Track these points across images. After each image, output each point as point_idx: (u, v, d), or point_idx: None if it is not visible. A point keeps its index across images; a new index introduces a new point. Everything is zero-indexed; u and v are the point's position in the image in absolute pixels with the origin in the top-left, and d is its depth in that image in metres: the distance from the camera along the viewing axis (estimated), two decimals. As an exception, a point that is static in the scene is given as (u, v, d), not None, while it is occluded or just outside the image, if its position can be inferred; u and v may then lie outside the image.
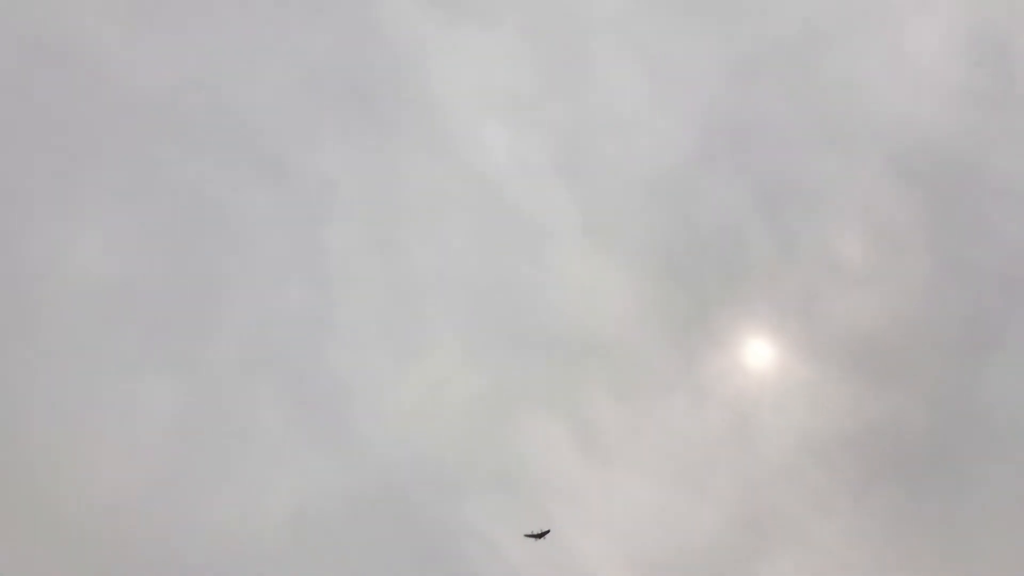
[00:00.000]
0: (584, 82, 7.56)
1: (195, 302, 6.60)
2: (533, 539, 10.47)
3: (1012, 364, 6.08)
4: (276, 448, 6.42)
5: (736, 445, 6.45)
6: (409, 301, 6.89)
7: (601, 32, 8.43)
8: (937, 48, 7.44)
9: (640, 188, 7.42)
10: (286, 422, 6.31)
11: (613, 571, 5.73)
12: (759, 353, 6.70)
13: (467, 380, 6.53)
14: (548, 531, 9.84)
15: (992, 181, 6.81)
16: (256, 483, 6.27)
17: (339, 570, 5.89)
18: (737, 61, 7.73)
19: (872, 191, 7.21)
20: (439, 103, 7.33)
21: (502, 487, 5.88)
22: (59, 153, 6.96)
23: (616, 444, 6.36)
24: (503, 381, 6.50)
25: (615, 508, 6.12)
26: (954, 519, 5.62)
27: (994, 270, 6.39)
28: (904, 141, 7.08)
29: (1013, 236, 6.42)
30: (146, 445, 5.93)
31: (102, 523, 5.98)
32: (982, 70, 7.28)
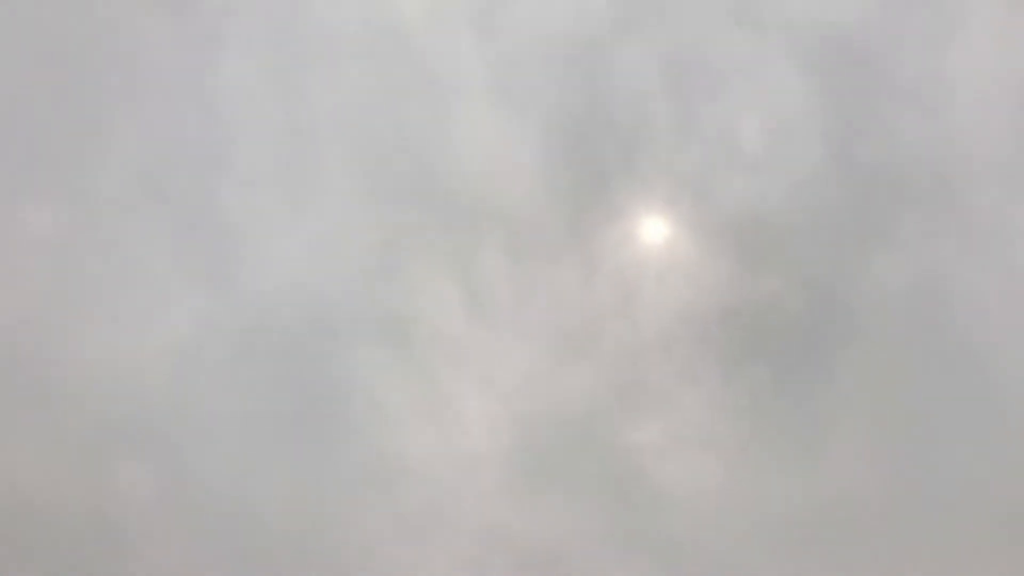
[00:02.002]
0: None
1: (80, 127, 6.13)
2: None
3: (888, 261, 6.27)
4: (160, 283, 6.17)
5: (618, 315, 6.54)
6: (306, 146, 6.58)
7: None
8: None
9: (551, 53, 7.20)
10: (172, 257, 6.03)
11: (493, 426, 5.83)
12: (650, 228, 6.72)
13: (361, 232, 6.32)
14: None
15: (895, 83, 6.82)
16: (139, 317, 6.04)
17: (221, 408, 5.82)
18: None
19: (775, 78, 7.19)
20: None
21: (390, 341, 5.79)
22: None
23: (505, 307, 6.37)
24: (397, 236, 6.33)
25: (499, 368, 6.16)
26: (816, 401, 5.88)
27: (885, 169, 6.46)
28: (814, 32, 7.00)
29: (908, 138, 6.46)
30: (24, 275, 5.57)
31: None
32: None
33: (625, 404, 5.32)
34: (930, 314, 4.92)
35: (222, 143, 4.98)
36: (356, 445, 4.85)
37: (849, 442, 4.89)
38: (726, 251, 5.28)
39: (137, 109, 4.93)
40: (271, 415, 4.93)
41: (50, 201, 4.82)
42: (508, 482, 5.03)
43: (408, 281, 5.03)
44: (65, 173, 4.83)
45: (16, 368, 4.80)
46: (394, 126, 5.07)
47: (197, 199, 4.95)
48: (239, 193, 5.01)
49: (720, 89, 5.30)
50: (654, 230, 5.14)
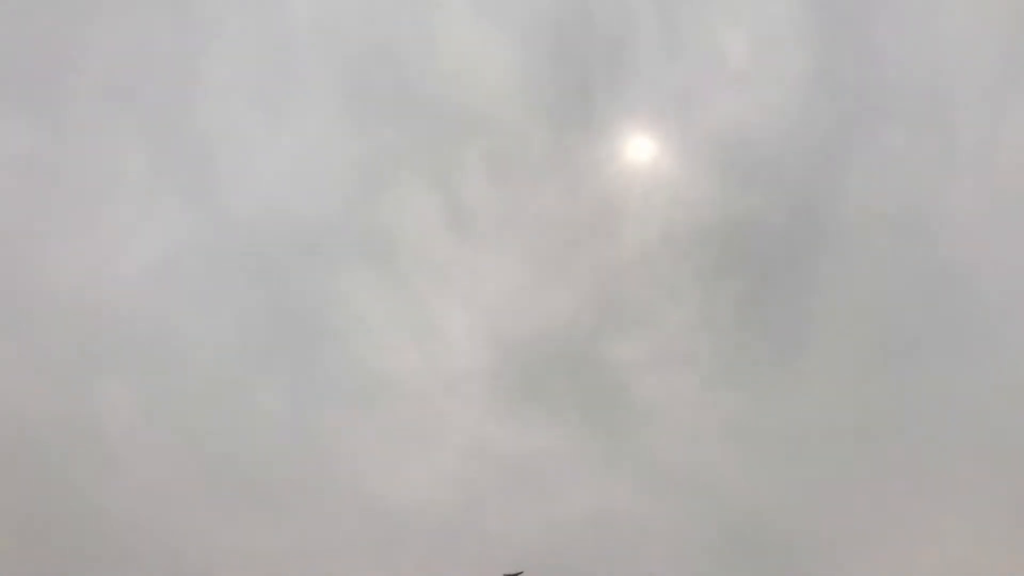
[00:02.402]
0: None
1: (54, 33, 5.98)
2: None
3: (872, 179, 6.35)
4: (138, 198, 6.14)
5: (601, 232, 6.60)
6: (285, 57, 6.48)
7: None
8: None
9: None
10: (150, 172, 5.99)
11: (476, 342, 5.95)
12: (634, 144, 6.72)
13: (342, 146, 6.29)
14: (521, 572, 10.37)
15: (885, 2, 6.83)
16: (116, 232, 6.03)
17: (203, 325, 5.87)
18: None
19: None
20: None
21: (373, 258, 5.88)
22: None
23: (487, 223, 6.41)
24: (379, 151, 6.31)
25: (482, 285, 6.25)
26: (797, 319, 6.08)
27: (870, 86, 6.51)
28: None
29: (892, 56, 6.48)
30: (0, 186, 5.59)
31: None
32: None
33: (607, 321, 5.30)
34: (913, 232, 4.93)
35: (196, 54, 4.86)
36: (339, 362, 4.85)
37: (828, 359, 4.93)
38: (710, 169, 5.23)
39: (111, 22, 4.80)
40: (253, 332, 4.92)
41: (24, 116, 4.72)
42: (491, 397, 5.07)
43: (390, 198, 4.98)
44: (39, 87, 4.72)
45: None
46: (373, 36, 4.95)
47: (174, 114, 4.85)
48: (216, 105, 4.91)
49: (707, 4, 5.18)
50: (637, 146, 5.06)
